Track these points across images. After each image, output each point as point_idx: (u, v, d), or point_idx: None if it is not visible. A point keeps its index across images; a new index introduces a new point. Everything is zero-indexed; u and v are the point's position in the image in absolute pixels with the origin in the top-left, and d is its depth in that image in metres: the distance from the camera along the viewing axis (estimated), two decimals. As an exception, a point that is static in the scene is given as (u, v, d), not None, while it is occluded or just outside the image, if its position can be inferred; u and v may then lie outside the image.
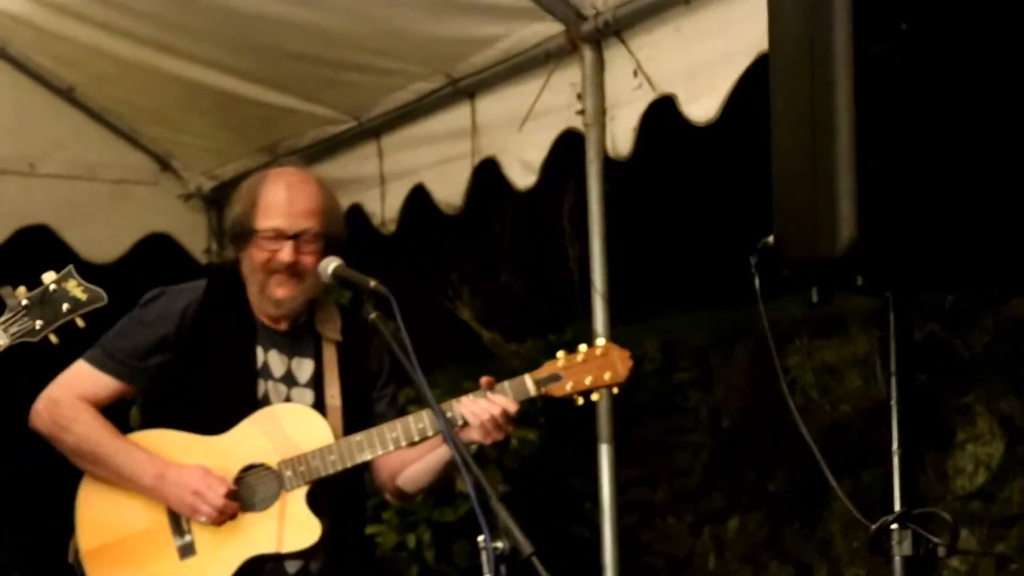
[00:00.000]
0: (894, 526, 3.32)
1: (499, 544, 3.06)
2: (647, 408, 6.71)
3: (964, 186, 3.17)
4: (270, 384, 3.89)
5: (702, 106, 4.43)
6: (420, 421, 3.73)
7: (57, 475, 3.93)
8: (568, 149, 4.91)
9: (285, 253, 3.81)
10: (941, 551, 3.30)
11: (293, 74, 5.44)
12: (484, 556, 3.06)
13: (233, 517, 3.78)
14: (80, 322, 3.50)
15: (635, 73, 4.63)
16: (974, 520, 5.58)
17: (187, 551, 3.79)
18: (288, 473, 3.77)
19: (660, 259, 6.82)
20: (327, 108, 5.65)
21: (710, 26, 4.38)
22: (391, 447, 3.74)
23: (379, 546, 6.30)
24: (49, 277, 3.48)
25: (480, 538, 3.08)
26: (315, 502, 3.78)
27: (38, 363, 3.71)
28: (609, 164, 4.85)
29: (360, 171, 5.70)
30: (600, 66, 4.74)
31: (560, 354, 3.81)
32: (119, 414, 3.98)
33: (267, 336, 3.91)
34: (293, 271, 3.82)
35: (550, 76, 4.87)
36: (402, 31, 4.98)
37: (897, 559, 3.28)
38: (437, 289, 7.17)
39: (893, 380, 3.36)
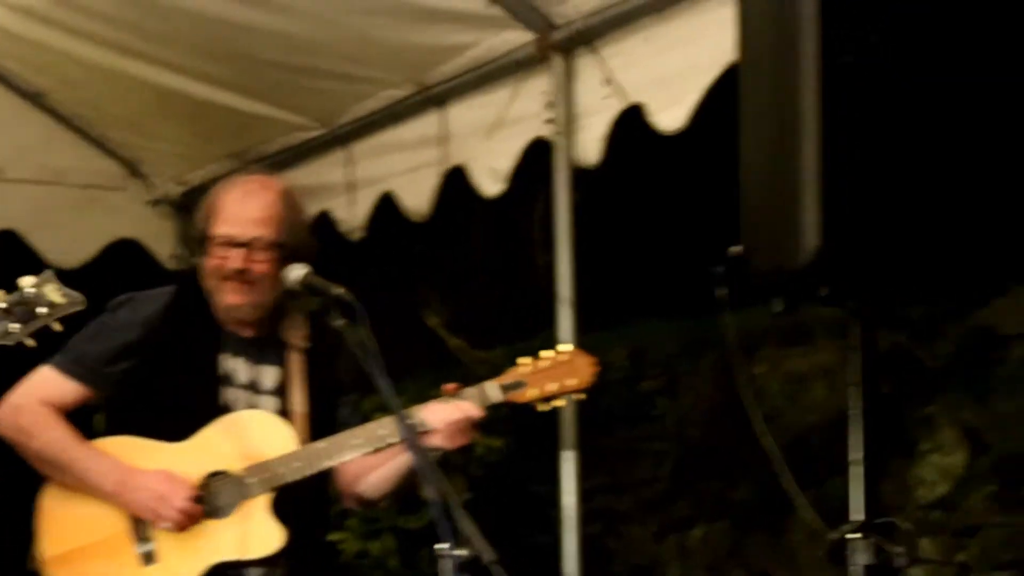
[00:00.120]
0: (854, 536, 3.34)
1: (461, 552, 3.07)
2: (613, 416, 6.72)
3: (928, 198, 3.20)
4: (234, 391, 3.88)
5: (671, 115, 4.45)
6: (384, 428, 3.72)
7: (20, 481, 3.91)
8: (540, 157, 4.92)
9: (234, 260, 3.80)
10: (901, 560, 3.32)
11: (263, 80, 5.44)
12: (445, 564, 3.07)
13: (196, 523, 3.76)
14: (57, 326, 3.50)
15: (605, 82, 4.64)
16: (936, 529, 5.61)
17: (149, 558, 3.78)
18: (251, 480, 3.76)
19: (629, 267, 6.83)
20: (296, 115, 5.64)
21: (680, 36, 4.39)
22: (355, 454, 3.73)
23: (342, 553, 6.29)
24: (27, 281, 3.47)
25: (441, 545, 3.08)
26: (278, 509, 3.77)
27: (13, 366, 3.70)
28: (579, 173, 4.86)
29: (329, 178, 5.70)
30: (570, 75, 4.75)
31: (525, 360, 3.80)
32: (84, 420, 3.97)
33: (233, 343, 3.90)
34: (244, 278, 3.81)
35: (520, 84, 4.88)
36: (372, 39, 4.98)
37: (857, 569, 3.30)
38: (406, 296, 7.17)
39: (855, 390, 3.39)
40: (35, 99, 6.06)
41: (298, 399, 3.90)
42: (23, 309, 3.46)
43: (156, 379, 3.85)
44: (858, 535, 3.35)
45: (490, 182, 5.09)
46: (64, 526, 3.83)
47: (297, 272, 3.70)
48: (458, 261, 7.30)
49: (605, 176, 4.99)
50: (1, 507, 4.46)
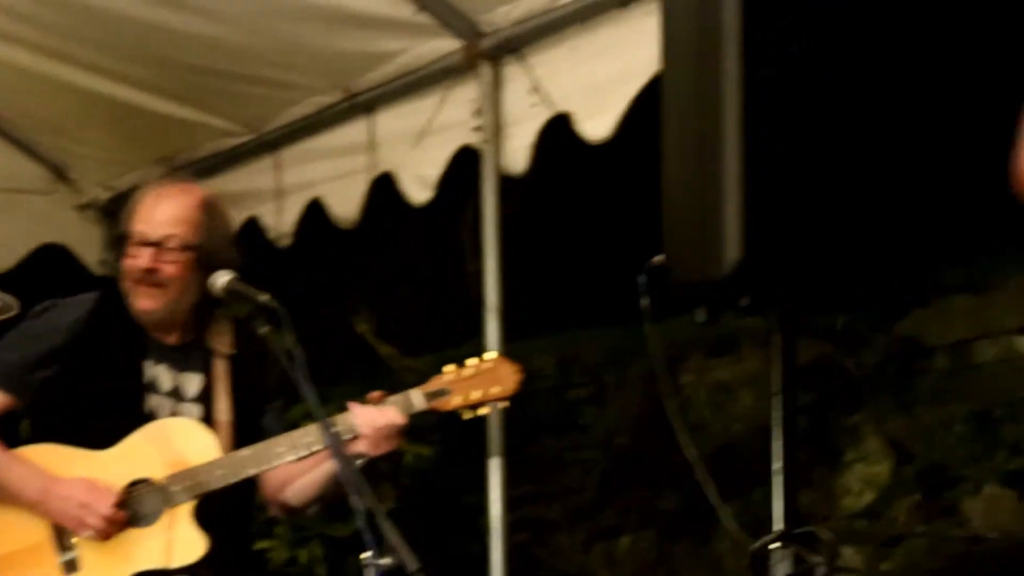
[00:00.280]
0: (775, 545, 3.36)
1: (385, 560, 3.07)
2: (542, 424, 6.73)
3: (849, 209, 3.22)
4: (157, 399, 3.86)
5: (597, 124, 4.46)
6: (308, 435, 3.71)
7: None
8: (469, 165, 4.92)
9: (144, 259, 3.78)
10: (821, 570, 3.34)
11: (191, 86, 5.41)
12: (369, 573, 3.06)
13: (119, 532, 3.74)
14: None
15: (532, 91, 4.64)
16: (860, 538, 5.65)
17: (71, 567, 3.74)
18: (174, 488, 3.73)
19: (558, 275, 6.85)
20: (225, 120, 5.62)
21: (606, 46, 4.40)
22: (279, 462, 3.72)
23: (270, 561, 6.27)
24: None
25: (365, 555, 3.08)
26: (202, 517, 3.75)
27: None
28: (509, 181, 4.86)
29: (257, 184, 5.67)
30: (497, 83, 4.75)
31: (449, 368, 3.80)
32: (10, 428, 3.93)
33: (156, 350, 3.88)
34: (153, 279, 3.79)
35: (448, 92, 4.88)
36: (300, 45, 4.97)
37: (778, 578, 3.32)
38: (335, 304, 7.16)
39: (776, 400, 3.41)
40: (-39, 103, 6.00)
41: (222, 406, 3.88)
42: None
43: (80, 386, 3.82)
44: (778, 545, 3.36)
45: (418, 190, 5.09)
46: (-14, 535, 3.80)
47: (222, 278, 3.68)
48: (387, 268, 7.29)
49: (535, 184, 5.00)
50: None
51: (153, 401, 3.84)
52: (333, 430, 3.55)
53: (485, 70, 4.75)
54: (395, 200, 5.23)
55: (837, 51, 3.17)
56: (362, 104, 5.18)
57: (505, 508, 4.78)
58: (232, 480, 3.73)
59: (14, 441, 3.86)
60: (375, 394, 3.76)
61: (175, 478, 3.73)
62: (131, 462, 3.76)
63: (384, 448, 3.70)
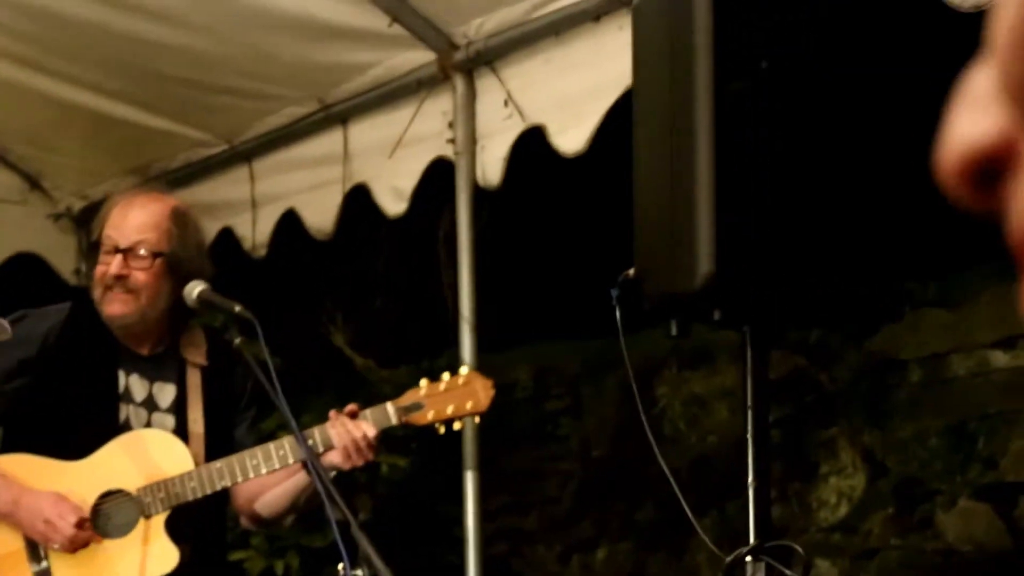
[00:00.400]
0: (748, 558, 3.36)
1: (359, 572, 3.06)
2: (518, 435, 6.72)
3: (821, 223, 3.22)
4: (131, 409, 3.85)
5: (571, 137, 4.46)
6: (281, 448, 3.71)
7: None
8: (445, 176, 4.91)
9: (114, 266, 3.78)
10: (794, 583, 3.34)
11: (165, 96, 5.40)
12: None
13: (88, 545, 3.73)
14: None
15: (506, 103, 4.64)
16: (836, 552, 5.65)
17: (44, 577, 3.75)
18: (147, 499, 3.73)
19: (534, 287, 6.84)
20: (199, 131, 5.61)
21: (579, 59, 4.41)
22: (251, 475, 3.72)
23: (247, 572, 6.25)
24: None
25: (340, 566, 3.07)
26: (175, 528, 3.75)
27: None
28: (485, 193, 4.86)
29: (232, 195, 5.66)
30: (472, 95, 4.75)
31: (423, 382, 3.81)
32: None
33: (129, 360, 3.87)
34: (124, 286, 3.78)
35: (422, 104, 4.88)
36: (275, 56, 4.96)
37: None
38: (310, 314, 7.14)
39: (749, 414, 3.40)
40: (-66, 110, 5.97)
41: (196, 416, 3.88)
42: None
43: (53, 396, 3.82)
44: (749, 558, 3.36)
45: (393, 201, 5.08)
46: (-40, 545, 3.79)
47: (196, 288, 3.68)
48: (363, 279, 7.27)
49: (512, 196, 4.99)
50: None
51: (127, 411, 3.84)
52: (310, 442, 3.56)
53: (459, 82, 4.75)
54: (370, 211, 5.22)
55: (807, 65, 3.17)
56: (337, 115, 5.17)
57: (480, 521, 4.78)
58: (204, 492, 3.73)
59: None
60: (350, 407, 3.76)
61: (148, 489, 3.73)
62: (105, 473, 3.76)
63: (356, 461, 3.70)
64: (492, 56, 4.65)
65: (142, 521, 3.73)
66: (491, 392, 3.82)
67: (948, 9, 3.18)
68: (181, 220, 3.87)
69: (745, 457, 3.40)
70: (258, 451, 3.73)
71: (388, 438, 6.60)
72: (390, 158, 4.98)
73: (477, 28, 4.64)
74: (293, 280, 6.96)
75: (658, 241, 3.26)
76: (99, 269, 3.83)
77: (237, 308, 3.57)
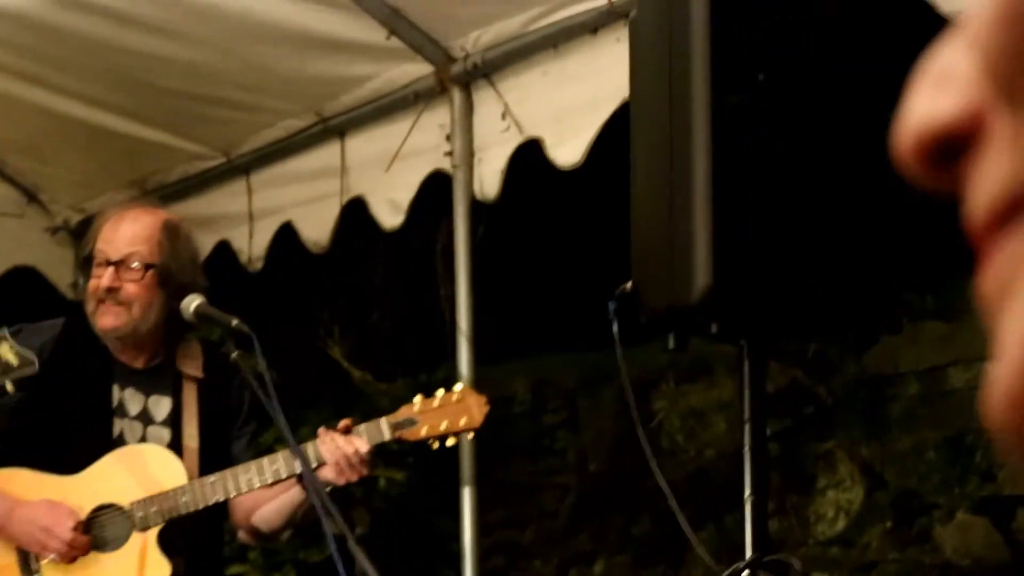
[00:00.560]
0: (745, 572, 3.35)
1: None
2: (515, 449, 6.71)
3: (819, 236, 3.21)
4: (126, 423, 3.85)
5: (568, 150, 4.46)
6: (275, 463, 3.71)
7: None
8: (442, 189, 4.91)
9: (105, 278, 3.78)
10: (791, 597, 3.33)
11: (163, 109, 5.39)
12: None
13: (84, 555, 3.73)
14: (9, 387, 3.49)
15: (503, 116, 4.64)
16: (834, 565, 5.64)
17: (36, 590, 3.74)
18: (140, 513, 3.73)
19: (532, 300, 6.84)
20: (196, 144, 5.60)
21: (577, 71, 4.41)
22: (244, 489, 3.71)
23: (243, 586, 6.24)
24: None
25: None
26: (169, 542, 3.74)
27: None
28: (482, 206, 4.86)
29: (229, 208, 5.65)
30: (469, 108, 4.75)
31: (417, 399, 3.81)
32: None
33: (124, 374, 3.87)
34: (116, 299, 3.79)
35: (419, 117, 4.87)
36: (272, 69, 4.96)
37: (746, 605, 3.30)
38: (307, 328, 7.14)
39: (747, 427, 3.40)
40: (-70, 124, 5.96)
41: (191, 430, 3.88)
42: None
43: (47, 411, 3.82)
44: (746, 572, 3.35)
45: (390, 214, 5.08)
46: (-47, 559, 3.79)
47: (193, 302, 3.68)
48: (360, 292, 7.27)
49: (509, 209, 4.99)
50: None
51: (121, 425, 3.84)
52: (303, 456, 3.55)
53: (456, 95, 4.74)
54: (367, 224, 5.22)
55: (805, 77, 3.17)
56: (334, 128, 5.16)
57: (477, 537, 4.77)
58: (197, 507, 3.72)
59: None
60: (344, 423, 3.76)
61: (141, 504, 3.73)
62: (99, 487, 3.76)
63: (350, 476, 3.70)
64: (489, 69, 4.65)
65: (135, 535, 3.73)
66: (485, 408, 3.83)
67: (946, 21, 3.19)
68: (172, 232, 3.88)
69: (743, 470, 3.39)
70: (252, 465, 3.73)
71: (385, 452, 6.61)
72: (387, 171, 4.97)
73: (474, 41, 4.64)
74: (290, 293, 6.96)
75: (655, 254, 3.25)
76: (92, 283, 3.84)
77: (234, 322, 3.57)
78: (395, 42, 4.69)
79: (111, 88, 5.30)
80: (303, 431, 4.40)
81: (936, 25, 3.10)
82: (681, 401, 6.23)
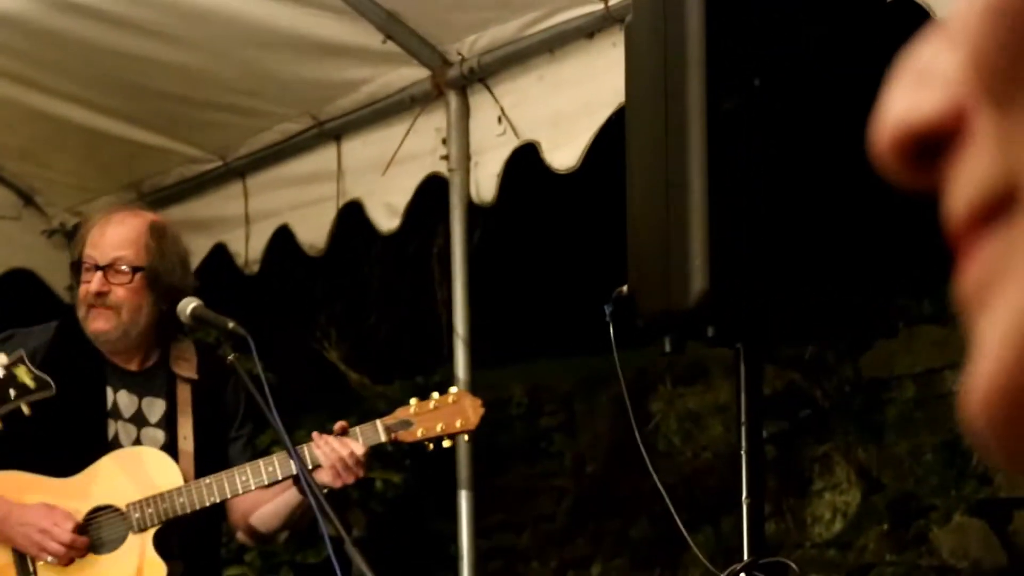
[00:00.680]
0: (742, 575, 3.35)
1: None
2: (512, 452, 6.72)
3: (815, 239, 3.22)
4: (120, 425, 3.85)
5: (564, 154, 4.46)
6: (270, 464, 3.72)
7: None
8: (439, 193, 4.91)
9: (94, 283, 3.79)
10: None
11: (159, 112, 5.39)
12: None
13: (82, 556, 3.74)
14: (26, 409, 3.50)
15: (499, 120, 4.64)
16: (831, 567, 5.64)
17: (32, 592, 3.75)
18: (136, 515, 3.74)
19: (528, 303, 6.84)
20: (193, 147, 5.60)
21: (573, 76, 4.41)
22: (241, 491, 3.72)
23: (240, 588, 6.24)
24: None
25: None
26: (165, 544, 3.75)
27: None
28: (478, 209, 4.86)
29: (225, 211, 5.65)
30: (465, 112, 4.75)
31: (412, 401, 3.82)
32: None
33: (117, 376, 3.88)
34: (105, 303, 3.79)
35: (415, 120, 4.87)
36: (268, 72, 4.96)
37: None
38: (304, 331, 7.14)
39: (743, 430, 3.40)
40: (-73, 127, 5.96)
41: (186, 431, 3.89)
42: None
43: (42, 414, 3.81)
44: (743, 574, 3.36)
45: (386, 217, 5.08)
46: (-51, 561, 3.79)
47: (188, 305, 3.68)
48: (357, 295, 7.28)
49: (505, 212, 4.99)
50: None
51: (115, 427, 3.84)
52: (298, 457, 3.56)
53: (452, 99, 4.74)
54: (364, 227, 5.22)
55: (800, 82, 3.18)
56: (330, 131, 5.17)
57: (474, 540, 4.77)
58: (193, 508, 3.73)
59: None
60: (339, 425, 3.76)
61: (137, 505, 3.74)
62: (94, 489, 3.77)
63: (346, 479, 3.70)
64: (485, 73, 4.65)
65: (131, 536, 3.74)
66: (480, 411, 3.84)
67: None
68: (159, 234, 3.87)
69: (739, 473, 3.40)
70: (247, 467, 3.73)
71: (382, 455, 6.61)
72: (384, 175, 4.97)
73: (470, 45, 4.64)
74: (287, 296, 6.97)
75: (652, 258, 3.26)
76: (82, 288, 3.85)
77: (231, 324, 3.58)
78: (391, 46, 4.69)
79: (107, 92, 5.30)
80: (299, 434, 4.40)
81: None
82: (677, 404, 6.23)
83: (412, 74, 4.81)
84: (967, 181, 0.53)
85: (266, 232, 5.52)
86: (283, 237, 5.50)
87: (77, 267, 3.89)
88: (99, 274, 3.79)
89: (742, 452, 3.40)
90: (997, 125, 0.51)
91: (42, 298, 6.44)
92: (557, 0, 4.35)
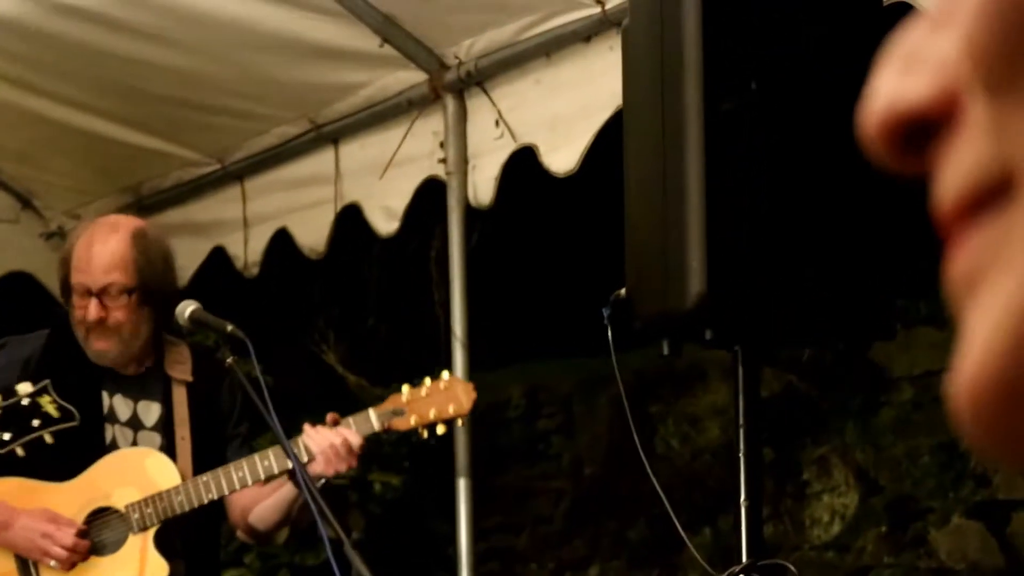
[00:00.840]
0: (739, 577, 3.36)
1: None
2: (510, 454, 6.72)
3: (811, 242, 3.22)
4: (117, 429, 3.86)
5: (562, 157, 4.46)
6: (266, 459, 3.72)
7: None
8: (437, 196, 4.92)
9: (91, 311, 3.78)
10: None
11: (157, 115, 5.39)
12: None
13: (83, 560, 3.74)
14: (48, 439, 3.51)
15: (497, 123, 4.64)
16: (829, 569, 5.65)
17: (37, 598, 3.76)
18: (135, 516, 3.74)
19: (526, 306, 6.85)
20: (191, 150, 5.60)
21: (570, 79, 4.41)
22: (238, 486, 3.72)
23: (239, 591, 6.25)
24: (24, 389, 3.50)
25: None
26: (166, 545, 3.76)
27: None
28: (476, 212, 4.86)
29: (223, 214, 5.65)
30: (462, 115, 4.75)
31: (404, 388, 3.82)
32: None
33: (112, 381, 3.88)
34: (106, 327, 3.79)
35: (413, 124, 4.87)
36: (266, 76, 4.96)
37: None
38: (302, 333, 7.14)
39: (741, 432, 3.41)
40: (-75, 131, 5.96)
41: (183, 433, 3.89)
42: (18, 418, 3.49)
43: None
44: (742, 576, 3.36)
45: (384, 220, 5.08)
46: (-49, 569, 3.80)
47: (187, 308, 3.68)
48: (355, 298, 7.28)
49: (503, 215, 5.00)
50: None
51: (112, 432, 3.85)
52: (294, 452, 3.56)
53: (450, 102, 4.75)
54: (362, 230, 5.22)
55: (797, 85, 3.18)
56: (328, 135, 5.17)
57: (473, 530, 4.75)
58: (191, 506, 3.74)
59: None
60: (331, 416, 3.77)
61: (136, 505, 3.74)
62: (93, 492, 3.78)
63: (339, 467, 3.70)
64: (483, 76, 4.65)
65: (132, 537, 3.75)
66: (473, 395, 3.83)
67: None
68: (143, 245, 3.84)
69: (737, 475, 3.41)
70: (244, 463, 3.74)
71: (380, 457, 6.61)
72: (381, 178, 4.97)
73: (468, 49, 4.64)
74: (285, 299, 6.97)
75: (649, 261, 3.27)
76: (77, 313, 3.83)
77: (229, 327, 3.58)
78: (388, 50, 4.70)
79: (105, 95, 5.30)
80: (296, 436, 4.40)
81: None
82: (676, 406, 6.24)
83: (409, 77, 4.81)
84: (957, 168, 0.52)
85: (265, 235, 5.52)
86: (282, 240, 5.50)
87: (67, 289, 3.87)
88: (94, 301, 3.77)
89: (740, 454, 3.41)
90: (990, 112, 0.51)
91: (40, 301, 6.43)
92: (554, 4, 4.35)
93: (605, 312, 3.41)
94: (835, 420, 5.76)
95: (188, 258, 5.43)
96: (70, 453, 3.77)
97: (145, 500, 3.74)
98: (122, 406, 3.88)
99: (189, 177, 5.72)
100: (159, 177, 5.80)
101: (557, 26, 4.39)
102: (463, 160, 4.75)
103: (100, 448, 3.81)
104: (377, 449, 6.46)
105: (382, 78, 4.87)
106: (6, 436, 3.49)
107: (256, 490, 3.79)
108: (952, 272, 0.53)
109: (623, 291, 3.36)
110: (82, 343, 3.84)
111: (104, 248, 3.81)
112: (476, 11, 4.55)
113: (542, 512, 6.69)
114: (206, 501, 3.74)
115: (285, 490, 3.79)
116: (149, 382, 3.91)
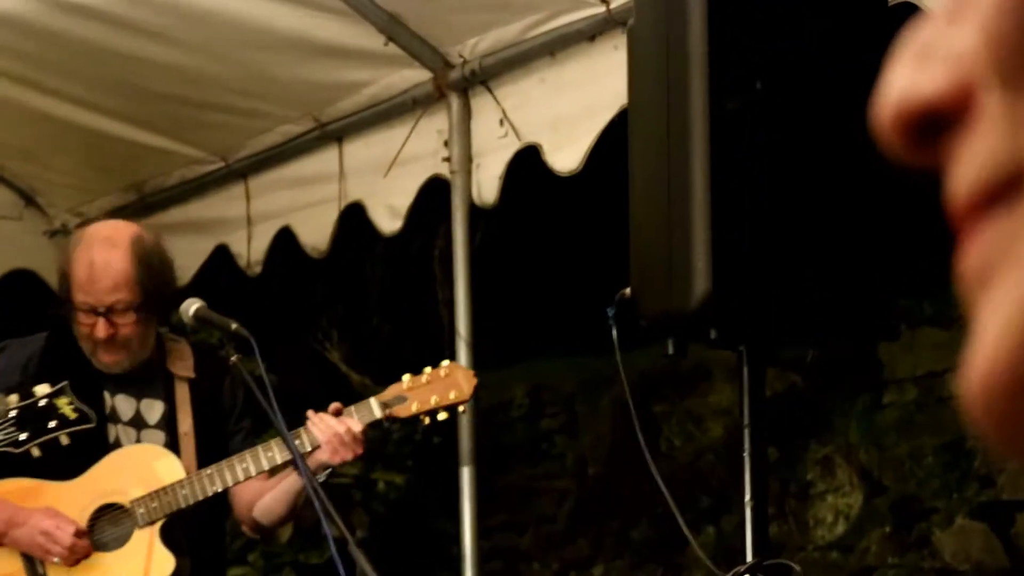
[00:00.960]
0: (744, 577, 3.36)
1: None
2: (514, 453, 6.72)
3: (817, 242, 3.22)
4: (120, 428, 3.86)
5: (566, 157, 4.46)
6: (269, 450, 3.73)
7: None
8: (440, 194, 4.92)
9: (99, 329, 3.77)
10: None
11: (161, 113, 5.39)
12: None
13: (87, 556, 3.75)
14: (65, 439, 3.51)
15: (501, 122, 4.64)
16: (833, 570, 5.64)
17: (42, 593, 3.77)
18: (140, 510, 3.75)
19: (530, 305, 6.84)
20: (194, 148, 5.60)
21: (574, 78, 4.41)
22: (242, 478, 3.73)
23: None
24: (42, 390, 3.50)
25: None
26: (172, 540, 3.76)
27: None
28: (480, 211, 4.86)
29: (227, 212, 5.65)
30: (467, 114, 4.75)
31: (405, 377, 3.83)
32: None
33: (114, 380, 3.88)
34: (115, 343, 3.79)
35: (417, 122, 4.87)
36: (270, 74, 4.96)
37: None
38: (306, 332, 7.14)
39: (746, 432, 3.40)
40: (-72, 128, 5.97)
41: (186, 430, 3.90)
42: (34, 419, 3.49)
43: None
44: (747, 576, 3.36)
45: (388, 219, 5.08)
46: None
47: (190, 306, 3.68)
48: (359, 297, 7.28)
49: (507, 214, 4.99)
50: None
51: (116, 431, 3.85)
52: (297, 442, 3.57)
53: (454, 101, 4.75)
54: (366, 229, 5.22)
55: (802, 84, 3.18)
56: (332, 133, 5.16)
57: (476, 519, 4.74)
58: (196, 499, 3.75)
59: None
60: (334, 406, 3.77)
61: (141, 501, 3.75)
62: (97, 489, 3.79)
63: (344, 455, 3.71)
64: (487, 75, 4.65)
65: (138, 532, 3.76)
66: (474, 381, 3.85)
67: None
68: (143, 256, 3.81)
69: (742, 475, 3.40)
70: (247, 455, 3.75)
71: (384, 455, 6.62)
72: (385, 176, 4.97)
73: (472, 47, 4.64)
74: (288, 298, 6.97)
75: (654, 260, 3.26)
76: (83, 329, 3.81)
77: (234, 326, 3.59)
78: (393, 48, 4.69)
79: (109, 93, 5.30)
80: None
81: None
82: (679, 406, 6.24)
83: (414, 76, 4.81)
84: (971, 162, 0.52)
85: (268, 233, 5.52)
86: (285, 239, 5.50)
87: (68, 302, 3.83)
88: (102, 320, 3.77)
89: (745, 454, 3.40)
90: (1006, 106, 0.51)
91: (43, 299, 6.43)
92: (559, 3, 4.35)
93: (610, 312, 3.40)
94: (839, 420, 5.75)
95: (191, 256, 5.44)
96: (76, 454, 3.78)
97: (150, 495, 3.75)
98: (124, 405, 3.88)
99: (193, 175, 5.72)
100: (162, 175, 5.80)
101: (561, 25, 4.39)
102: (467, 159, 4.75)
103: (104, 448, 3.82)
104: (381, 448, 6.46)
105: (386, 77, 4.87)
106: (22, 436, 3.49)
107: (260, 484, 3.80)
108: (964, 267, 0.53)
109: (628, 291, 3.36)
110: (89, 355, 3.84)
111: (106, 267, 3.78)
112: (481, 10, 4.55)
113: (546, 511, 6.69)
114: (211, 494, 3.74)
115: (289, 481, 3.80)
116: (151, 380, 3.92)
